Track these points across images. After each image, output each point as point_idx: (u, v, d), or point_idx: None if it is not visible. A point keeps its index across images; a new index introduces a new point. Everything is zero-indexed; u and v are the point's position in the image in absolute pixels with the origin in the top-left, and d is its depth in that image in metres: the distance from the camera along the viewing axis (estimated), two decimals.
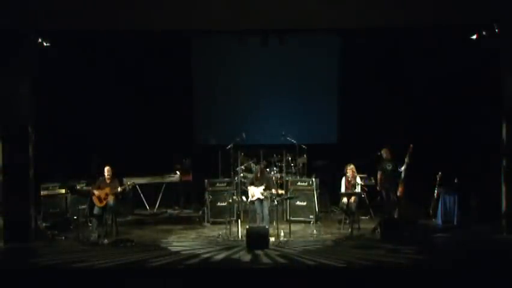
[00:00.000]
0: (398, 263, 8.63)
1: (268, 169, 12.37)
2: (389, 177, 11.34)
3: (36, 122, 11.00)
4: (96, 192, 10.49)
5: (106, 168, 10.63)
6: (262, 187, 10.86)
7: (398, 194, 11.20)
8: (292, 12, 10.33)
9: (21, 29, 10.13)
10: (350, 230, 10.51)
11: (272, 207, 10.98)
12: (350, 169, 11.02)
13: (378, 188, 11.58)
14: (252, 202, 11.07)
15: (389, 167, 11.33)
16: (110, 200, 10.48)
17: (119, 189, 10.66)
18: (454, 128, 12.55)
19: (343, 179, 11.13)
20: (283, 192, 11.21)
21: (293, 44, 13.02)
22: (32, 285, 7.88)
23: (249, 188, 11.13)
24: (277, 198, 10.74)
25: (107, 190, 10.50)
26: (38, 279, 8.03)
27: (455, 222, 11.08)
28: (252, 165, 12.69)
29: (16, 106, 10.33)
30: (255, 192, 10.90)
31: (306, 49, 13.33)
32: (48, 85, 11.95)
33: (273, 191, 10.82)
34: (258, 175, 11.08)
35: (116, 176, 10.86)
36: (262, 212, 10.83)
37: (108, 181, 10.61)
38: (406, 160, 11.14)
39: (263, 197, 10.81)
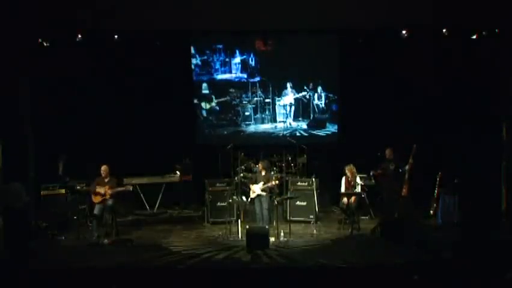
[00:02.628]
0: (398, 263, 8.63)
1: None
2: (390, 177, 11.33)
3: (36, 122, 11.01)
4: (97, 188, 10.45)
5: (103, 168, 10.57)
6: (262, 183, 10.86)
7: (402, 194, 11.18)
8: (292, 12, 10.34)
9: (23, 29, 10.13)
10: (350, 230, 10.52)
11: (272, 207, 10.97)
12: (349, 169, 11.02)
13: (374, 182, 11.52)
14: (252, 202, 11.05)
15: (392, 166, 11.32)
16: (110, 200, 10.47)
17: (118, 188, 10.63)
18: (454, 128, 12.55)
19: (343, 179, 11.13)
20: (277, 182, 11.03)
21: (293, 44, 13.04)
22: (32, 285, 7.88)
23: (251, 186, 11.12)
24: (278, 198, 10.74)
25: (106, 188, 10.49)
26: (38, 279, 8.02)
27: (455, 222, 11.09)
28: (252, 165, 12.67)
29: (16, 106, 10.33)
30: (255, 188, 10.90)
31: (306, 49, 13.31)
32: (48, 85, 11.96)
33: (270, 184, 10.77)
34: (262, 173, 11.05)
35: (115, 175, 10.81)
36: (262, 212, 10.83)
37: (106, 180, 10.57)
38: (410, 160, 11.13)
39: (264, 193, 10.79)
